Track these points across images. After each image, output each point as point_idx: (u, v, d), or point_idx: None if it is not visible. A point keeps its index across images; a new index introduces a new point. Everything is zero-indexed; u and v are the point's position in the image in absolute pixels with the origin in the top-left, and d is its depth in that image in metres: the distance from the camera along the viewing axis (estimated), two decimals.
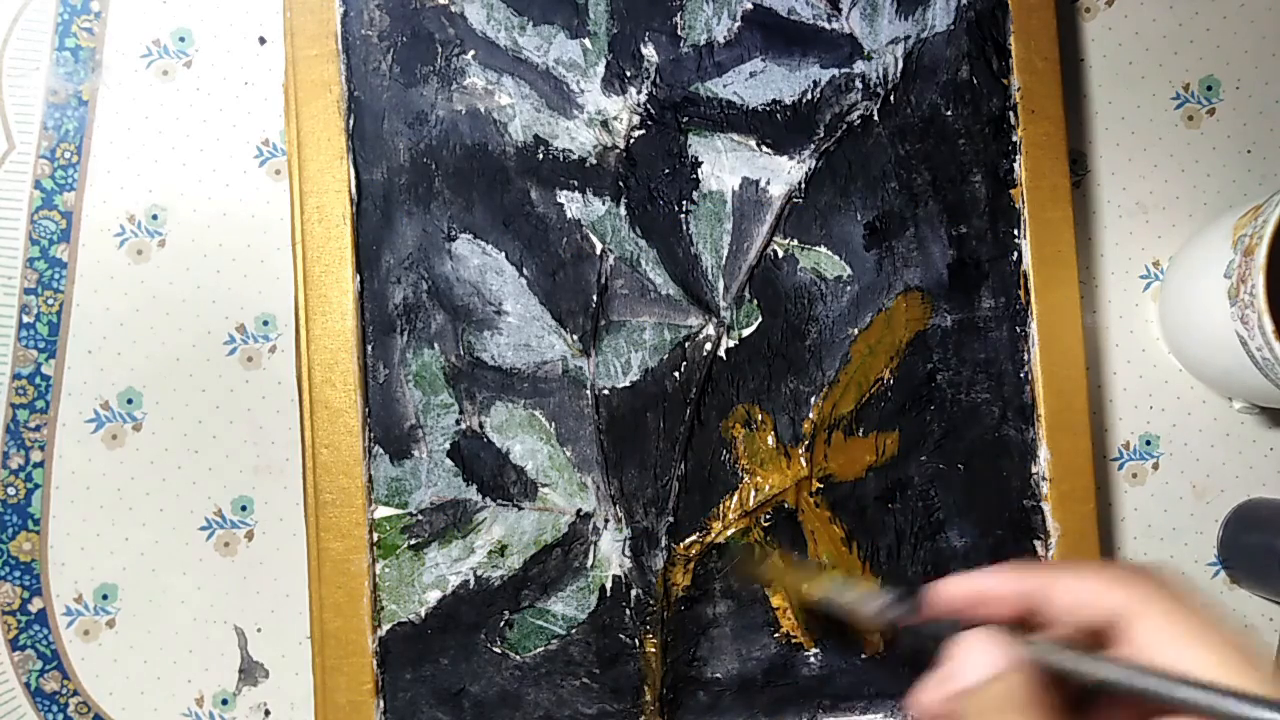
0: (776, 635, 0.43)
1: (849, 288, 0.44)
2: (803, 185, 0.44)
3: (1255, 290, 0.38)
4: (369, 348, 0.43)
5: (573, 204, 0.44)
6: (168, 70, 0.46)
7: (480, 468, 0.43)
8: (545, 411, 0.43)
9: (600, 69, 0.44)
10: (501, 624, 0.43)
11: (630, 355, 0.43)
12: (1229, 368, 0.42)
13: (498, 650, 0.43)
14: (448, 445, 0.43)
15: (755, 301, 0.44)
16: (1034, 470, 0.44)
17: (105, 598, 0.45)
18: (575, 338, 0.43)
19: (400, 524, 0.43)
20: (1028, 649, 0.26)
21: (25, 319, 0.45)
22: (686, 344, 0.44)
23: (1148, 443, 0.47)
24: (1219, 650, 0.24)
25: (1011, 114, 0.45)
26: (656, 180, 0.44)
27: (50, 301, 0.45)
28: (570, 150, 0.44)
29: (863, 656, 0.44)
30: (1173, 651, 0.25)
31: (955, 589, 0.28)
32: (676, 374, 0.44)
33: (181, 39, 0.46)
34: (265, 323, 0.46)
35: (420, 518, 0.43)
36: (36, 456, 0.45)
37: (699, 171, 0.44)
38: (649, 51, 0.44)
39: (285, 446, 0.46)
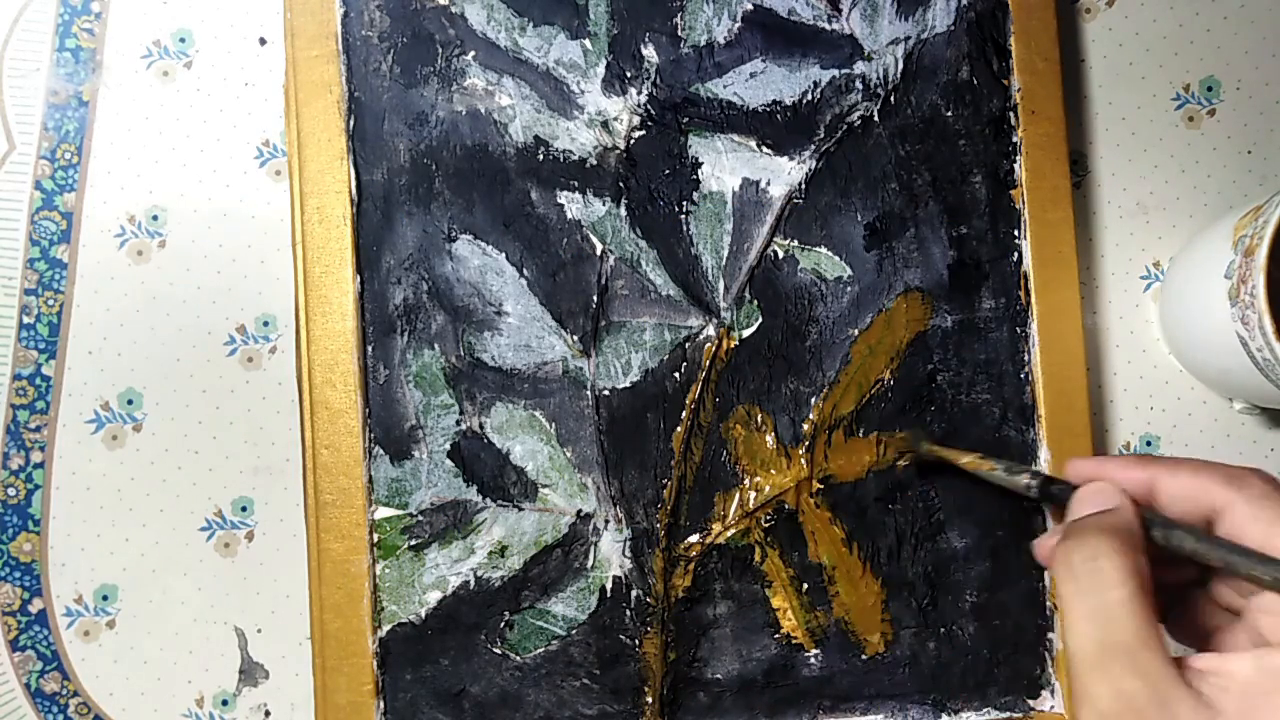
0: (777, 636, 0.43)
1: (849, 288, 0.44)
2: (803, 186, 0.44)
3: (1256, 291, 0.38)
4: (369, 348, 0.43)
5: (573, 205, 0.44)
6: (168, 71, 0.46)
7: (480, 468, 0.43)
8: (545, 412, 0.43)
9: (600, 70, 0.44)
10: (502, 625, 0.43)
11: (630, 356, 0.43)
12: (1229, 368, 0.42)
13: (498, 651, 0.43)
14: (448, 446, 0.43)
15: (755, 302, 0.44)
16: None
17: (105, 598, 0.45)
18: (575, 338, 0.43)
19: (400, 525, 0.43)
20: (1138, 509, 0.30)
21: (25, 320, 0.45)
22: (687, 345, 0.44)
23: (1148, 443, 0.47)
24: None
25: (1012, 115, 0.45)
26: (657, 181, 0.44)
27: (50, 302, 0.45)
28: (570, 151, 0.44)
29: (863, 657, 0.44)
30: (1261, 533, 0.28)
31: (1084, 466, 0.33)
32: (677, 375, 0.44)
33: (182, 40, 0.46)
34: (265, 323, 0.46)
35: (420, 518, 0.43)
36: (37, 457, 0.45)
37: (699, 172, 0.44)
38: (649, 52, 0.44)
39: (285, 447, 0.46)
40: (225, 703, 0.45)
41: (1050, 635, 0.44)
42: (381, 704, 0.42)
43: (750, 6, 0.44)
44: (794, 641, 0.43)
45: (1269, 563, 0.28)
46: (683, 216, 0.44)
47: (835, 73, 0.44)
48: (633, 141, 0.44)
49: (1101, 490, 0.31)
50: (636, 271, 0.44)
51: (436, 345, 0.43)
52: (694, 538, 0.43)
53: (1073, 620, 0.28)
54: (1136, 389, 0.47)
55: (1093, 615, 0.28)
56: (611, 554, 0.43)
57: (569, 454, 0.43)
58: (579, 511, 0.43)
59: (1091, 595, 0.28)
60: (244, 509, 0.46)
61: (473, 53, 0.44)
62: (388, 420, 0.43)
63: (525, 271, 0.44)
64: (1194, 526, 0.30)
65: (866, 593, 0.44)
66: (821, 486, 0.44)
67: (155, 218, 0.46)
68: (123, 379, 0.46)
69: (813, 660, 0.44)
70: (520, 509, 0.43)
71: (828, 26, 0.44)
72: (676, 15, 0.44)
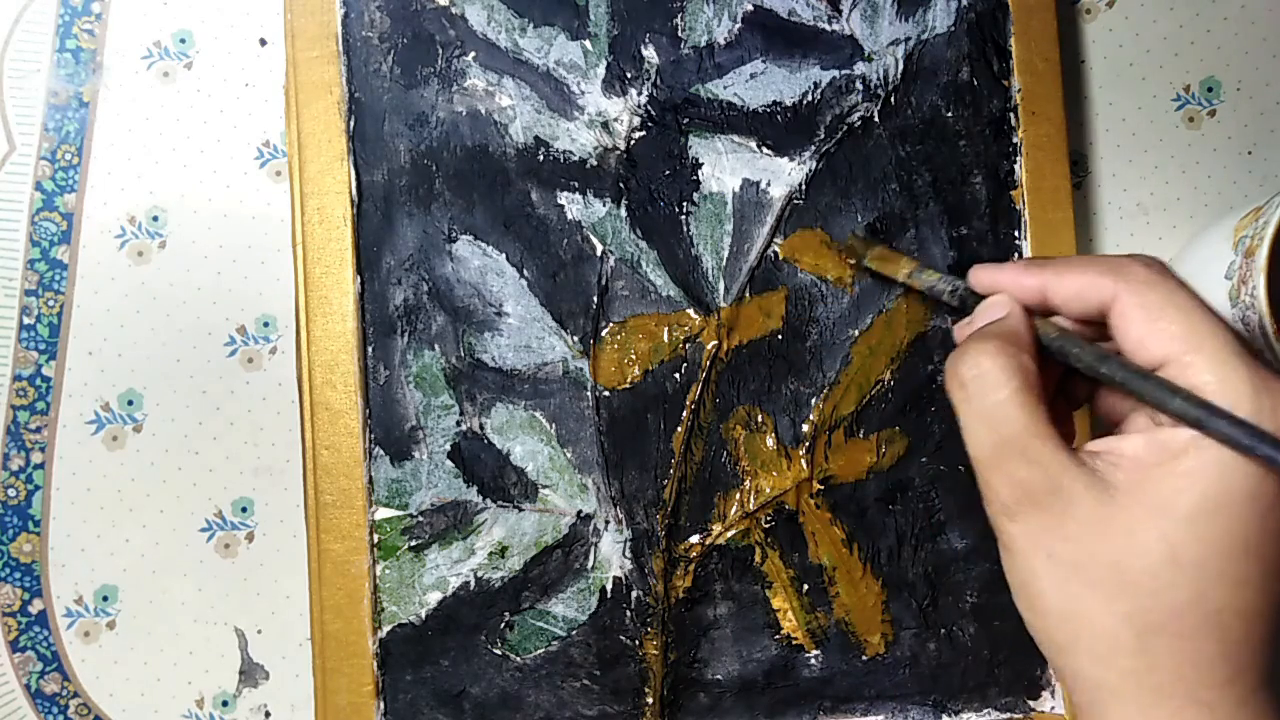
0: (777, 637, 0.43)
1: (849, 289, 0.44)
2: (803, 186, 0.44)
3: (1256, 292, 0.38)
4: (369, 349, 0.43)
5: (573, 205, 0.44)
6: (168, 72, 0.46)
7: (481, 469, 0.43)
8: (546, 413, 0.43)
9: (601, 70, 0.44)
10: (502, 625, 0.43)
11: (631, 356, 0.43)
12: None
13: (498, 652, 0.43)
14: (448, 447, 0.43)
15: (756, 303, 0.44)
16: None
17: (105, 599, 0.45)
18: (576, 339, 0.43)
19: (401, 525, 0.43)
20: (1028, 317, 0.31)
21: (26, 320, 0.45)
22: (687, 345, 0.44)
23: None
24: (1181, 321, 0.28)
25: (1012, 115, 0.45)
26: (657, 182, 0.44)
27: (51, 303, 0.46)
28: (571, 152, 0.44)
29: (864, 658, 0.44)
30: (1144, 325, 0.28)
31: (984, 275, 0.34)
32: (677, 375, 0.44)
33: (182, 41, 0.46)
34: (266, 324, 0.46)
35: (421, 519, 0.43)
36: (37, 458, 0.45)
37: (699, 173, 0.44)
38: (649, 53, 0.44)
39: (286, 448, 0.46)
40: (225, 704, 0.45)
41: None
42: (381, 705, 0.42)
43: (750, 7, 0.44)
44: (794, 642, 0.43)
45: (1129, 370, 0.28)
46: (683, 217, 0.44)
47: (835, 73, 0.44)
48: (633, 142, 0.44)
49: (994, 303, 0.32)
50: (637, 272, 0.44)
51: (437, 346, 0.43)
52: (694, 538, 0.43)
53: (966, 426, 0.30)
54: None
55: (982, 417, 0.29)
56: (612, 555, 0.43)
57: (569, 455, 0.43)
58: (579, 512, 0.43)
59: (978, 399, 0.29)
60: (244, 510, 0.46)
61: (473, 53, 0.44)
62: (388, 421, 0.43)
63: (525, 272, 0.44)
64: (1077, 335, 0.31)
65: (867, 593, 0.44)
66: (822, 487, 0.44)
67: (156, 218, 0.46)
68: (123, 380, 0.46)
69: (813, 661, 0.43)
70: (520, 510, 0.43)
71: (828, 27, 0.44)
72: (677, 16, 0.44)
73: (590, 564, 0.43)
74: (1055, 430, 0.28)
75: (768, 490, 0.44)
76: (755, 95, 0.44)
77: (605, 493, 0.43)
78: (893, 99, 0.44)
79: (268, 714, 0.45)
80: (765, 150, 0.44)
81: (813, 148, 0.44)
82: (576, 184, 0.44)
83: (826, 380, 0.44)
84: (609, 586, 0.43)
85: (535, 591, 0.43)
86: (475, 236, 0.43)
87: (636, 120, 0.44)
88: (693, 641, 0.43)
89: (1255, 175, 0.48)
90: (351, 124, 0.43)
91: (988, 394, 0.29)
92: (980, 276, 0.34)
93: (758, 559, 0.43)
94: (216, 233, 0.46)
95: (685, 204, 0.44)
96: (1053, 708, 0.44)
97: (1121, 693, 0.27)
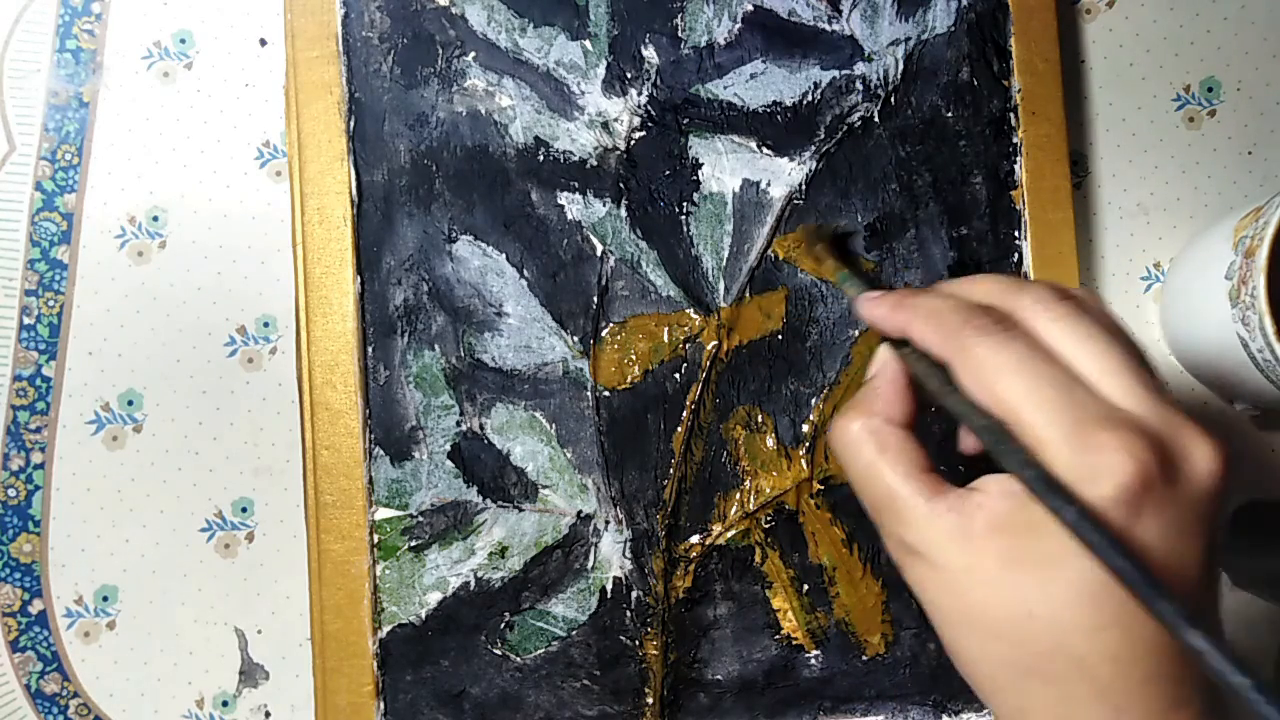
0: (777, 637, 0.43)
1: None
2: (803, 187, 0.44)
3: (1256, 292, 0.38)
4: (369, 349, 0.43)
5: (573, 205, 0.44)
6: (168, 72, 0.46)
7: (481, 469, 0.43)
8: (546, 413, 0.43)
9: (601, 71, 0.44)
10: (502, 626, 0.43)
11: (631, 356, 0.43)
12: (1230, 370, 0.42)
13: (498, 652, 0.43)
14: (448, 447, 0.43)
15: (755, 303, 0.44)
16: None
17: (105, 599, 0.45)
18: (576, 339, 0.43)
19: (401, 525, 0.43)
20: (902, 356, 0.31)
21: (26, 320, 0.45)
22: (687, 345, 0.44)
23: None
24: (1068, 368, 0.27)
25: (1012, 115, 0.45)
26: (657, 182, 0.44)
27: (51, 303, 0.46)
28: (571, 152, 0.44)
29: (864, 658, 0.44)
30: (974, 390, 0.28)
31: (863, 310, 0.33)
32: (677, 375, 0.44)
33: (182, 41, 0.46)
34: (266, 324, 0.46)
35: (421, 519, 0.43)
36: (37, 458, 0.45)
37: (699, 173, 0.44)
38: (649, 53, 0.44)
39: (286, 448, 0.46)
40: (225, 704, 0.45)
41: None
42: (381, 705, 0.42)
43: (750, 7, 0.44)
44: (794, 642, 0.43)
45: (969, 406, 0.28)
46: (683, 217, 0.44)
47: (835, 74, 0.44)
48: (633, 142, 0.44)
49: (876, 357, 0.32)
50: (637, 272, 0.44)
51: (437, 346, 0.43)
52: (694, 538, 0.43)
53: (852, 485, 0.31)
54: None
55: (857, 480, 0.30)
56: (612, 555, 0.43)
57: (569, 455, 0.43)
58: (579, 512, 0.43)
59: (851, 464, 0.30)
60: (244, 510, 0.46)
61: (473, 54, 0.44)
62: (388, 421, 0.43)
63: (525, 272, 0.44)
64: (936, 373, 0.30)
65: (867, 594, 0.44)
66: (822, 487, 0.44)
67: (156, 219, 0.46)
68: (123, 380, 0.46)
69: (813, 661, 0.43)
70: (520, 510, 0.43)
71: (828, 27, 0.44)
72: (677, 16, 0.44)
73: (590, 564, 0.43)
74: (925, 482, 0.28)
75: (768, 490, 0.44)
76: (755, 95, 0.44)
77: (605, 493, 0.43)
78: (893, 99, 0.44)
79: (268, 714, 0.45)
80: (765, 150, 0.44)
81: (813, 148, 0.44)
82: (576, 184, 0.44)
83: (826, 380, 0.44)
84: (609, 587, 0.43)
85: (535, 592, 0.43)
86: (475, 236, 0.43)
87: (636, 120, 0.44)
88: (693, 642, 0.43)
89: (1255, 175, 0.48)
90: (351, 124, 0.43)
91: (856, 459, 0.30)
92: (862, 308, 0.33)
93: (758, 559, 0.43)
94: (216, 233, 0.46)
95: (685, 204, 0.44)
96: None
97: None
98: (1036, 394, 0.27)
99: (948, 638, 0.29)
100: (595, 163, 0.44)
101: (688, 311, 0.44)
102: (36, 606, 0.45)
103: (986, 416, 0.27)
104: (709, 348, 0.44)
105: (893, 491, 0.29)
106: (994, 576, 0.27)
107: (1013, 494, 0.27)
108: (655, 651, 0.43)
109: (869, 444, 0.29)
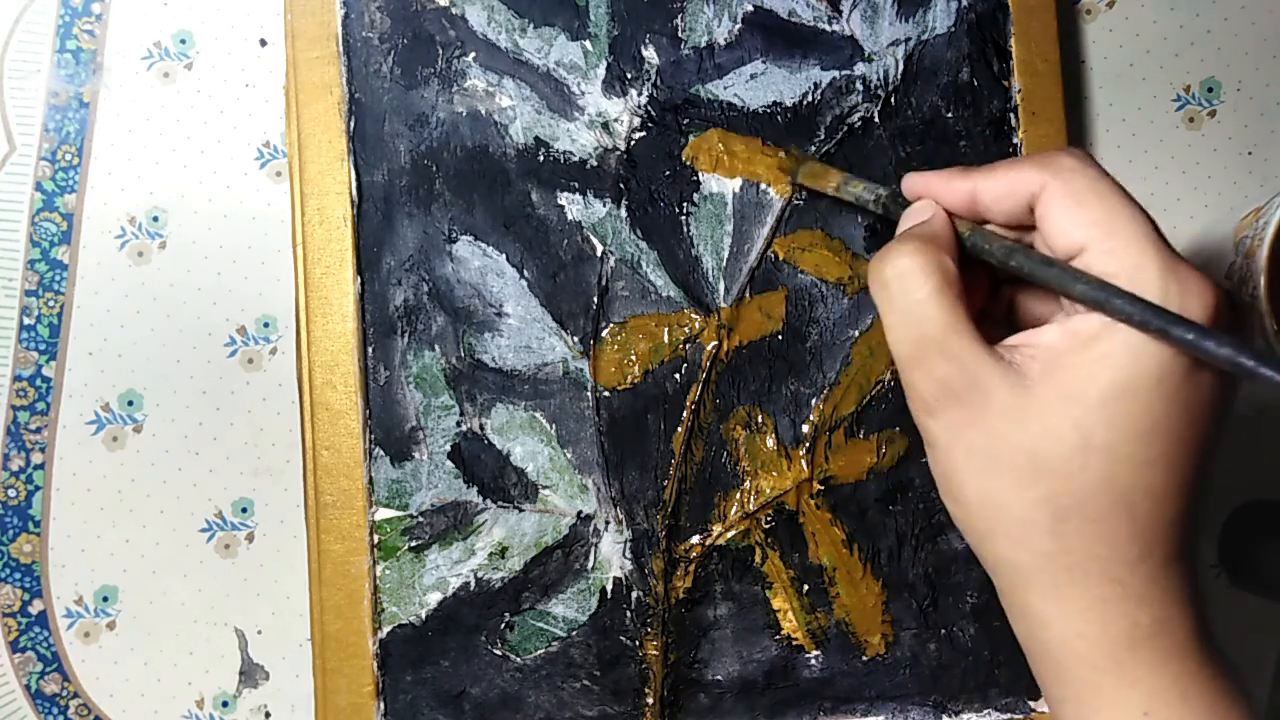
0: (777, 638, 0.43)
1: (849, 289, 0.44)
2: (803, 187, 0.44)
3: (1257, 293, 0.38)
4: (370, 350, 0.43)
5: (573, 206, 0.44)
6: (169, 72, 0.46)
7: (481, 470, 0.43)
8: (546, 413, 0.43)
9: (601, 71, 0.44)
10: (502, 626, 0.43)
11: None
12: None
13: (498, 652, 0.43)
14: (448, 447, 0.43)
15: (755, 303, 0.44)
16: None
17: (106, 600, 0.45)
18: (576, 339, 0.43)
19: (401, 526, 0.43)
20: (979, 233, 0.31)
21: (26, 321, 0.45)
22: (687, 346, 0.44)
23: None
24: (1100, 207, 0.28)
25: (1012, 116, 0.45)
26: (657, 182, 0.44)
27: (51, 303, 0.46)
28: (571, 152, 0.44)
29: (864, 659, 0.44)
30: (1065, 211, 0.29)
31: (916, 182, 0.33)
32: (677, 376, 0.44)
33: (182, 41, 0.46)
34: (266, 325, 0.46)
35: (421, 520, 0.43)
36: (37, 458, 0.45)
37: (699, 173, 0.44)
38: (649, 54, 0.44)
39: (286, 448, 0.46)
40: (225, 704, 0.45)
41: None
42: (382, 705, 0.42)
43: (750, 8, 0.44)
44: (795, 643, 0.43)
45: (1035, 259, 0.29)
46: (683, 218, 0.44)
47: (835, 74, 0.44)
48: (633, 143, 0.44)
49: (918, 208, 0.33)
50: (637, 273, 0.44)
51: (437, 346, 0.43)
52: (694, 539, 0.43)
53: (888, 325, 0.30)
54: None
55: (903, 316, 0.30)
56: (612, 555, 0.43)
57: (569, 455, 0.43)
58: (579, 513, 0.43)
59: (900, 298, 0.30)
60: (244, 510, 0.46)
61: (473, 54, 0.44)
62: (388, 421, 0.43)
63: (526, 273, 0.44)
64: (1001, 235, 0.31)
65: (867, 594, 0.44)
66: (822, 488, 0.44)
67: (156, 219, 0.46)
68: (123, 380, 0.46)
69: (813, 661, 0.43)
70: (520, 510, 0.43)
71: (828, 28, 0.44)
72: (677, 16, 0.44)
73: (590, 564, 0.43)
74: (974, 327, 0.29)
75: (768, 490, 0.44)
76: (755, 96, 0.44)
77: (605, 493, 0.43)
78: (893, 99, 0.44)
79: (268, 714, 0.45)
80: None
81: (813, 148, 0.44)
82: (576, 184, 0.44)
83: (827, 380, 0.44)
84: (609, 587, 0.43)
85: (535, 592, 0.43)
86: (475, 237, 0.43)
87: (637, 121, 0.44)
88: (693, 642, 0.43)
89: (1255, 175, 0.48)
90: (351, 124, 0.43)
91: (908, 293, 0.29)
92: (912, 182, 0.34)
93: (758, 559, 0.43)
94: (216, 233, 0.46)
95: (685, 204, 0.44)
96: None
97: (1038, 574, 0.29)
98: (1130, 220, 0.28)
99: (976, 488, 0.29)
100: (595, 163, 0.44)
101: (688, 312, 0.44)
102: (36, 607, 0.45)
103: (1081, 275, 0.28)
104: (709, 348, 0.44)
105: (948, 329, 0.29)
106: (1052, 409, 0.28)
107: (1073, 332, 0.28)
108: (655, 652, 0.43)
109: (930, 278, 0.29)
